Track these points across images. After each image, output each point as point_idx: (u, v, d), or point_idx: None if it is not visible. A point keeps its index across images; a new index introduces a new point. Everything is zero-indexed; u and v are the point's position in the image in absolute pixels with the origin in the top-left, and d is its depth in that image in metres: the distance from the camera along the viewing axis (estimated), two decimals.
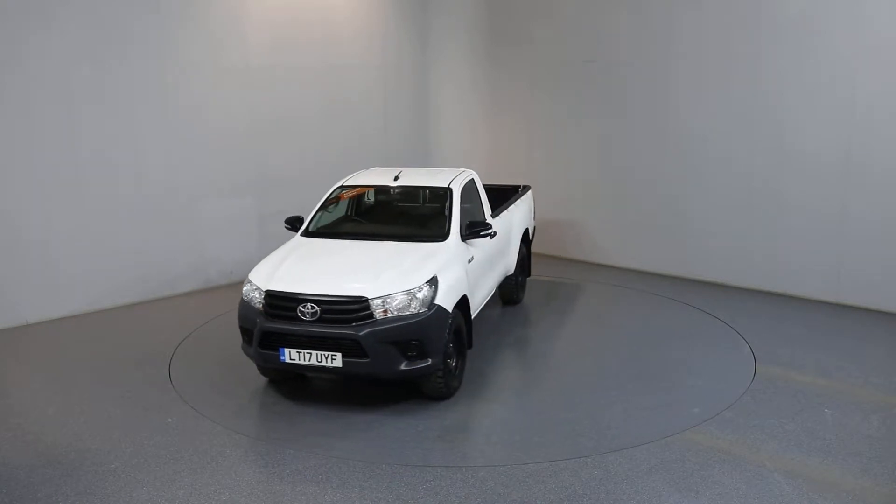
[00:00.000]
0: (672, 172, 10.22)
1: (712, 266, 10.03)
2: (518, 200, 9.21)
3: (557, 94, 11.31)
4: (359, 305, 5.97)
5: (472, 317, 7.07)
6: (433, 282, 6.22)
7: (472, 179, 8.01)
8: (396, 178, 7.88)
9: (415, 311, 6.02)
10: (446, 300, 6.24)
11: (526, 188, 9.86)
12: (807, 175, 9.06)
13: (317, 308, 6.02)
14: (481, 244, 7.44)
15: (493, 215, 8.11)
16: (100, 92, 8.82)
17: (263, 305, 6.25)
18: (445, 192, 7.48)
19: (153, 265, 9.51)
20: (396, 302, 6.00)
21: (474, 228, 7.11)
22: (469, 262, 7.01)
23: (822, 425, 5.98)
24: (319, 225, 7.52)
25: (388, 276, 6.17)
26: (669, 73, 10.08)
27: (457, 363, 6.56)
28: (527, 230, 9.34)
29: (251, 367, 7.27)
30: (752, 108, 9.39)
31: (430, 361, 6.06)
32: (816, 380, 6.87)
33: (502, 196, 9.25)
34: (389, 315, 5.97)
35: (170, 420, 6.20)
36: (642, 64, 10.31)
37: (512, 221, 8.71)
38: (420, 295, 6.07)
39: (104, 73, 8.83)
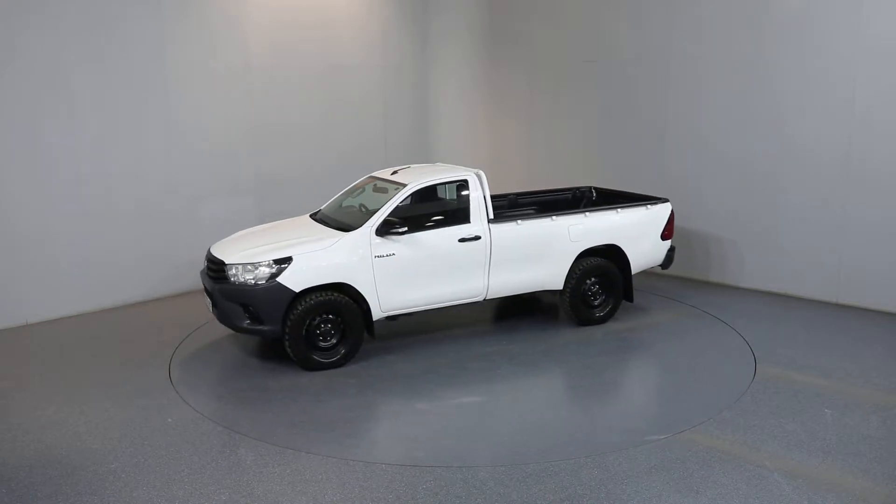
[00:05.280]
0: (671, 172, 10.22)
1: (712, 266, 10.04)
2: (590, 212, 8.28)
3: (557, 94, 11.31)
4: (221, 267, 7.24)
5: (386, 311, 7.37)
6: (285, 261, 7.02)
7: (466, 181, 7.81)
8: (394, 174, 8.10)
9: (252, 282, 7.00)
10: (292, 280, 6.98)
11: (642, 200, 8.66)
12: (807, 175, 9.07)
13: (210, 265, 7.48)
14: (425, 243, 7.43)
15: (496, 220, 7.77)
16: (100, 92, 8.82)
17: None
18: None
19: (153, 265, 9.51)
20: (243, 270, 7.08)
21: (385, 227, 7.31)
22: (381, 257, 7.26)
23: (822, 425, 5.98)
24: (323, 208, 8.36)
25: (253, 250, 7.23)
26: (669, 73, 10.09)
27: (339, 343, 7.23)
28: (616, 248, 8.30)
29: (251, 367, 7.30)
30: (752, 107, 9.40)
31: (265, 327, 7.04)
32: (816, 380, 6.87)
33: (603, 203, 8.84)
34: (238, 280, 7.07)
35: (170, 420, 6.21)
36: (642, 64, 10.31)
37: (554, 233, 8.01)
38: (261, 269, 7.02)
39: (104, 74, 8.83)
